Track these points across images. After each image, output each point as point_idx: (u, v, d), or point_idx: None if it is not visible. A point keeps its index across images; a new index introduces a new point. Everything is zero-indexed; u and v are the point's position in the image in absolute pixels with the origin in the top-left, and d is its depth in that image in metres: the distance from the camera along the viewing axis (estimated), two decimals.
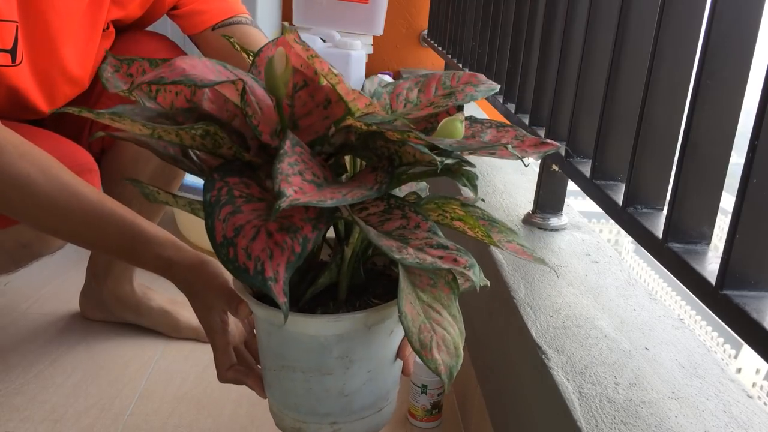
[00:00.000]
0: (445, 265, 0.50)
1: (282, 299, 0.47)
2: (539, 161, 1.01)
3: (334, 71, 0.56)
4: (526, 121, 1.03)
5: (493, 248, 0.92)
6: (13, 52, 0.84)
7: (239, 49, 0.68)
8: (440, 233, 0.53)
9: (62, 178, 0.74)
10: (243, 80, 0.57)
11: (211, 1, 1.09)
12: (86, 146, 1.07)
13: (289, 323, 0.60)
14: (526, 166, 0.60)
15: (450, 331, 0.54)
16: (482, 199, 0.73)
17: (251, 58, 0.65)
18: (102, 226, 0.75)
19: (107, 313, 1.21)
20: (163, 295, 1.22)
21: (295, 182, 0.49)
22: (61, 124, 1.03)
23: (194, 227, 1.56)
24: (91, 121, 1.06)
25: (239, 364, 0.75)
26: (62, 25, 0.90)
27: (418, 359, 1.02)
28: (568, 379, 0.63)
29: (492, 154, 0.55)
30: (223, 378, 0.75)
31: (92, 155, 1.08)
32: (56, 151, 0.78)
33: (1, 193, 0.72)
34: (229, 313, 0.74)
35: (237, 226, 0.50)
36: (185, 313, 1.21)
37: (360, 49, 2.43)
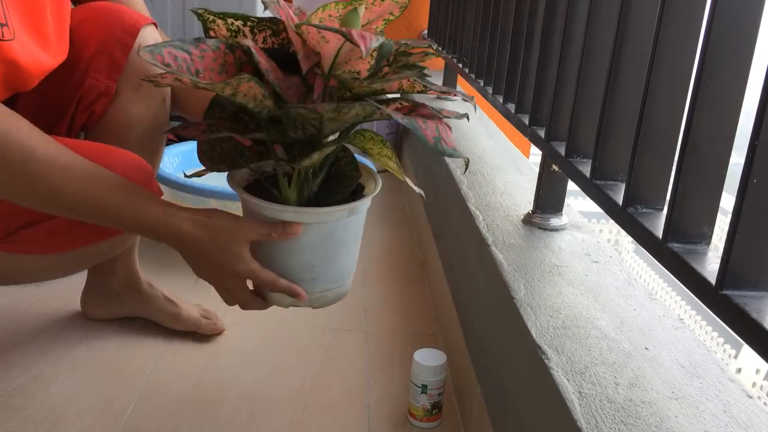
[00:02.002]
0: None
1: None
2: (540, 161, 1.01)
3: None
4: (526, 121, 1.03)
5: (493, 248, 0.92)
6: (6, 26, 0.82)
7: None
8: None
9: (55, 143, 0.76)
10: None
11: None
12: (66, 126, 1.05)
13: (344, 214, 0.81)
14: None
15: None
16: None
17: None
18: (99, 184, 0.76)
19: (113, 308, 1.22)
20: (164, 288, 1.24)
21: None
22: (44, 106, 1.00)
23: None
24: (76, 104, 1.04)
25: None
26: None
27: (417, 359, 1.01)
28: (568, 379, 0.63)
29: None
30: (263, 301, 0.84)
31: (75, 131, 1.08)
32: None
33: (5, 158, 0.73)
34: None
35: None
36: (187, 306, 1.22)
37: None
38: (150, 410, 0.99)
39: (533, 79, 1.01)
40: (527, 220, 1.02)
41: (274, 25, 0.76)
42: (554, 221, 1.00)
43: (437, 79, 2.29)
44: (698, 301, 0.53)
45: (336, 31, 0.65)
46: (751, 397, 0.61)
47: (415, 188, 0.85)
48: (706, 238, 0.58)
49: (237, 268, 0.79)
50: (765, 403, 0.61)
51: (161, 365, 1.11)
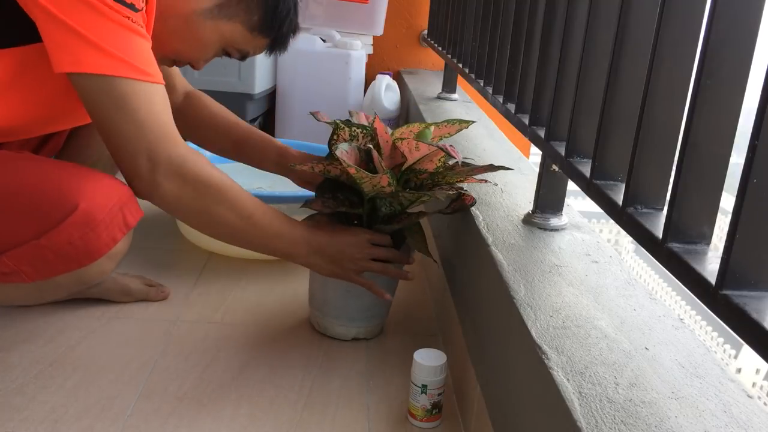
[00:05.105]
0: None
1: None
2: (540, 161, 1.01)
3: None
4: (526, 121, 1.03)
5: (493, 248, 0.92)
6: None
7: None
8: None
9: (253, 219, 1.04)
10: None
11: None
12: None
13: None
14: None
15: None
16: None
17: None
18: (272, 240, 1.08)
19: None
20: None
21: None
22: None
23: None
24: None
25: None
26: None
27: (417, 359, 1.01)
28: (568, 379, 0.63)
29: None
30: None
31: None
32: None
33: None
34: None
35: None
36: (130, 278, 1.30)
37: (360, 49, 2.42)
38: (150, 410, 0.99)
39: (533, 79, 1.01)
40: (527, 220, 1.02)
41: (372, 132, 1.10)
42: (554, 221, 1.00)
43: (437, 79, 2.29)
44: (698, 301, 0.53)
45: (436, 146, 1.00)
46: (751, 397, 0.61)
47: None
48: (706, 238, 0.58)
49: (363, 234, 1.10)
50: (765, 403, 0.61)
51: (161, 365, 1.11)
